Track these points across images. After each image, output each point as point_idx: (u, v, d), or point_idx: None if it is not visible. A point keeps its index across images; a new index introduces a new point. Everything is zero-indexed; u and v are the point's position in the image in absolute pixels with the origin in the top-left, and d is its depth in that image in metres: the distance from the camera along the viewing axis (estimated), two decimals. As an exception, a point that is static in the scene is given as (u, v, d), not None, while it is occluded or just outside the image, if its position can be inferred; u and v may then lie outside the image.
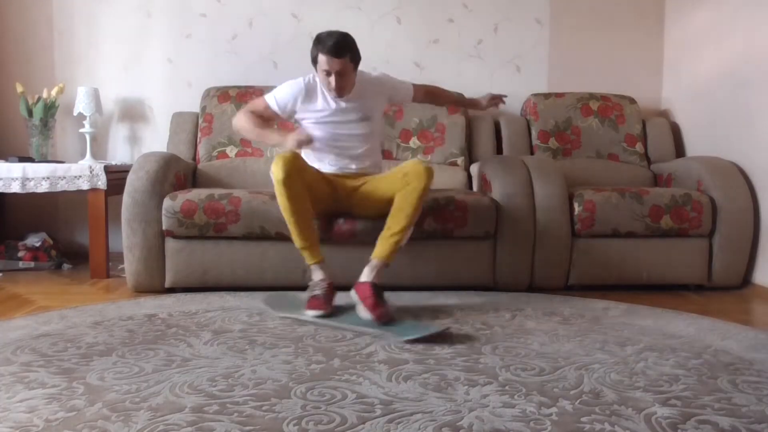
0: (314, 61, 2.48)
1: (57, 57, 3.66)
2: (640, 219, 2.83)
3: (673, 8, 3.77)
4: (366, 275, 2.31)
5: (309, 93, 2.59)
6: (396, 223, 2.34)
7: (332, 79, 2.46)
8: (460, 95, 3.13)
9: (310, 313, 2.24)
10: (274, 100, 2.60)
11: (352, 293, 2.30)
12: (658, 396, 1.53)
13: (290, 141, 2.39)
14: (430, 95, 2.89)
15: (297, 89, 2.58)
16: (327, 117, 2.58)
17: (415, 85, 2.78)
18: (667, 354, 1.88)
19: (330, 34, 2.44)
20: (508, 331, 2.11)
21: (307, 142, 2.42)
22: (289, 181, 2.27)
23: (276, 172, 2.27)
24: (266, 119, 2.63)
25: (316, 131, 2.58)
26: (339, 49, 2.41)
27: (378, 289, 2.26)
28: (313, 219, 2.45)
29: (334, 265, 2.68)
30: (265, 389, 1.54)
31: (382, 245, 2.34)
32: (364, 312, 2.20)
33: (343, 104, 2.57)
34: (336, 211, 2.62)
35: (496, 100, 2.93)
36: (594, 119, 3.52)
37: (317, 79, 2.57)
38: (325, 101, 2.58)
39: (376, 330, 2.07)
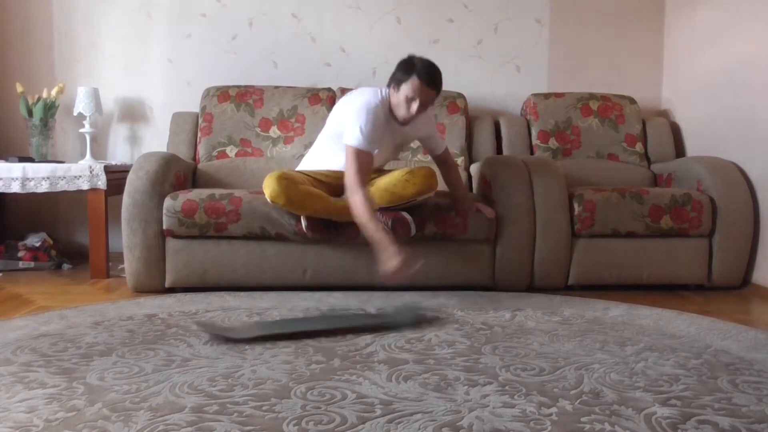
0: (399, 82, 2.36)
1: (57, 57, 3.66)
2: (640, 219, 2.83)
3: (673, 8, 3.77)
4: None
5: (381, 125, 2.43)
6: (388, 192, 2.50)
7: (415, 104, 2.36)
8: (464, 187, 2.92)
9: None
10: (369, 144, 2.36)
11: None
12: (658, 396, 1.53)
13: (393, 263, 2.20)
14: (444, 163, 2.77)
15: (376, 127, 2.38)
16: (379, 149, 2.51)
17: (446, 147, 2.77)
18: (667, 354, 1.88)
19: (428, 63, 2.37)
20: (508, 331, 2.11)
21: (409, 270, 2.21)
22: (290, 198, 2.41)
23: (277, 199, 2.43)
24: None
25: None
26: (437, 81, 2.36)
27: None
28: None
29: (332, 265, 2.70)
30: (265, 389, 1.54)
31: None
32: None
33: (394, 134, 2.54)
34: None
35: (481, 210, 2.70)
36: (594, 119, 3.52)
37: (383, 107, 2.43)
38: (384, 132, 2.47)
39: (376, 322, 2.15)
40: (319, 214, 2.51)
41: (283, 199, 2.43)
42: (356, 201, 2.32)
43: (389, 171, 2.67)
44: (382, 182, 2.56)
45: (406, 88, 2.35)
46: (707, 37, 3.43)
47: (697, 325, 2.24)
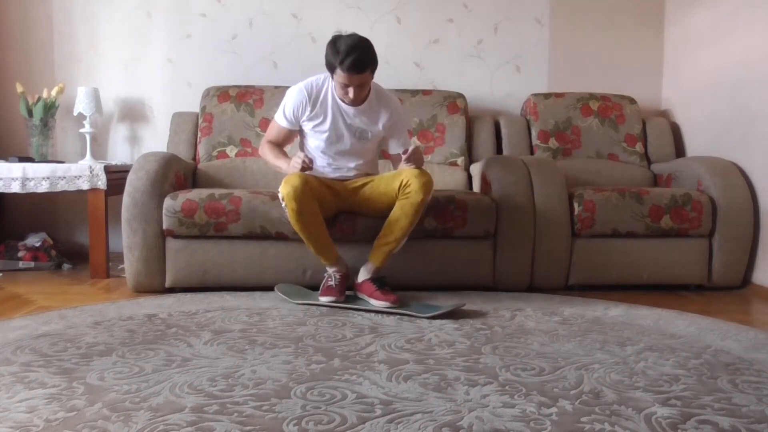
0: (330, 69, 2.38)
1: (57, 57, 3.66)
2: (640, 219, 2.83)
3: (673, 8, 3.77)
4: (363, 275, 2.51)
5: (313, 100, 2.53)
6: (391, 233, 2.45)
7: (350, 91, 2.39)
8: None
9: (325, 299, 2.42)
10: (283, 118, 2.59)
11: (358, 294, 2.51)
12: (658, 396, 1.53)
13: (292, 168, 2.42)
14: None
15: (300, 98, 2.53)
16: (328, 127, 2.55)
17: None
18: (667, 354, 1.88)
19: (349, 45, 2.28)
20: (508, 331, 2.11)
21: (308, 167, 2.41)
22: (301, 208, 2.33)
23: (288, 202, 2.34)
24: (285, 140, 2.68)
25: (314, 139, 2.59)
26: (360, 65, 2.31)
27: (378, 281, 2.46)
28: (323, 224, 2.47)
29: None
30: (265, 389, 1.54)
31: (377, 252, 2.50)
32: (377, 303, 2.39)
33: (347, 116, 2.53)
34: (340, 211, 2.63)
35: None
36: (594, 119, 3.52)
37: (326, 84, 2.52)
38: (327, 109, 2.52)
39: (394, 310, 2.32)
40: (303, 230, 2.40)
41: (295, 205, 2.33)
42: (263, 150, 2.64)
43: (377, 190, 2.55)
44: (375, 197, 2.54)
45: (337, 77, 2.37)
46: (707, 37, 3.43)
47: (697, 325, 2.24)
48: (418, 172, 2.40)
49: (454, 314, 2.30)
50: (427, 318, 2.24)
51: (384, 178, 2.56)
